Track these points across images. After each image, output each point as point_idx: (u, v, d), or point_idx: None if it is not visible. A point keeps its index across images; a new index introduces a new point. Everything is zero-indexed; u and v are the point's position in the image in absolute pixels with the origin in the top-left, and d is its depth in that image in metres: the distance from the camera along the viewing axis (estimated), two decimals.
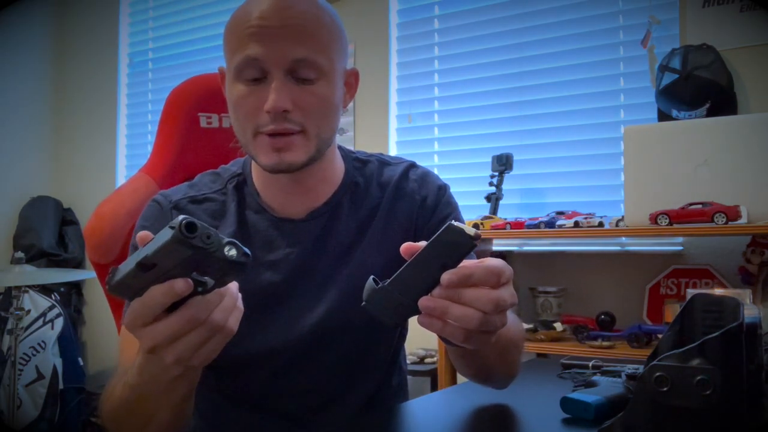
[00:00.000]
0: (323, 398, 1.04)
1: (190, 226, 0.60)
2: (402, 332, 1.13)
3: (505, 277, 0.72)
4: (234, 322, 0.69)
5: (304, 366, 1.02)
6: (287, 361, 1.02)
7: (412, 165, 1.12)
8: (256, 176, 1.05)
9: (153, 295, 0.65)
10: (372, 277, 0.71)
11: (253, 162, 1.05)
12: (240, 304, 0.70)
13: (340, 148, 1.10)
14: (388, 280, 0.70)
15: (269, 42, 0.90)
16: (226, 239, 0.63)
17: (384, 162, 1.11)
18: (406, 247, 0.72)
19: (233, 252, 0.63)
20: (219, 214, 1.03)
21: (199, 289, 0.67)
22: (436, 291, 0.69)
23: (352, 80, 1.03)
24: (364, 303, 0.70)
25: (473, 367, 0.94)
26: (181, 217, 0.60)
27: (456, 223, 0.68)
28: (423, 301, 0.69)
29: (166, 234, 0.61)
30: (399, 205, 1.07)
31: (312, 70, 0.92)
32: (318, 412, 1.03)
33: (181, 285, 0.64)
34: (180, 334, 0.67)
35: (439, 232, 0.69)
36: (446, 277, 0.68)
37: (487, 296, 0.70)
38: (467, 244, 0.68)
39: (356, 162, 1.10)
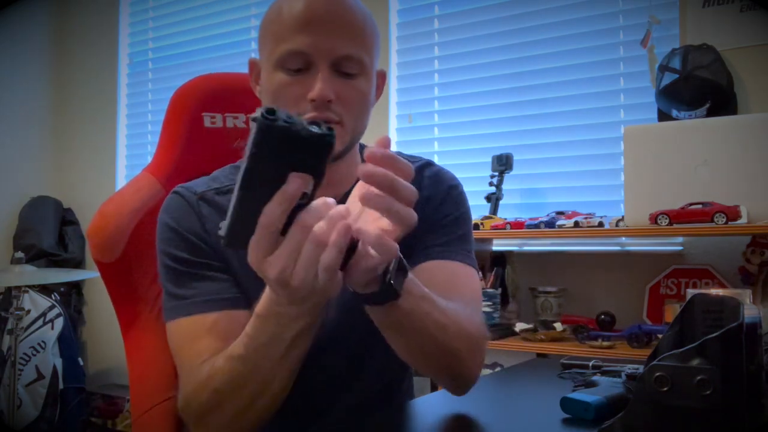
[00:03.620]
0: (328, 398, 1.04)
1: (270, 110, 0.60)
2: None
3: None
4: (339, 234, 0.66)
5: (316, 363, 1.02)
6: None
7: (428, 163, 1.12)
8: None
9: (268, 213, 0.64)
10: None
11: None
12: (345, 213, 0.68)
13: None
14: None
15: (317, 34, 0.92)
16: (307, 119, 0.63)
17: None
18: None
19: (315, 128, 0.62)
20: None
21: (302, 201, 0.66)
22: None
23: (380, 81, 1.05)
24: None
25: (405, 344, 0.88)
26: (259, 108, 0.61)
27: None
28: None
29: (251, 134, 0.61)
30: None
31: (356, 65, 0.95)
32: (322, 412, 1.03)
33: (291, 185, 0.63)
34: (300, 246, 0.65)
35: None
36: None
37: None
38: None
39: None
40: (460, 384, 0.96)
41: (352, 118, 0.96)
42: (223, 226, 0.66)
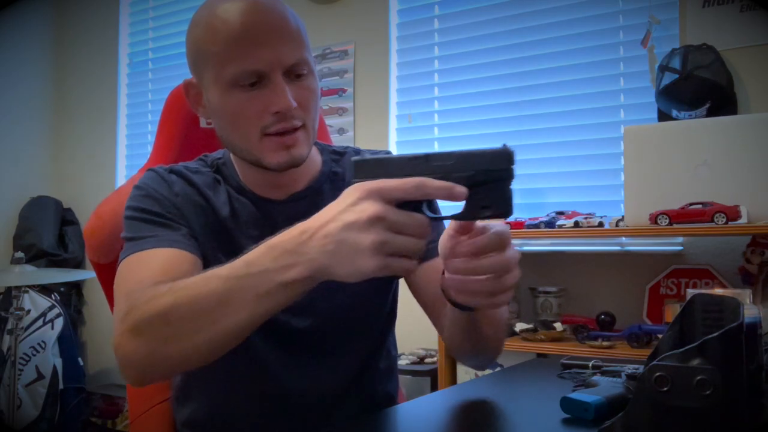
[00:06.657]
0: (309, 381, 1.05)
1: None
2: (389, 317, 1.14)
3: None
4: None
5: (293, 347, 1.04)
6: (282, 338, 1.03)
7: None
8: (236, 167, 1.08)
9: (430, 183, 0.74)
10: None
11: (234, 158, 1.07)
12: None
13: (315, 142, 1.13)
14: None
15: (265, 48, 0.93)
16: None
17: (359, 153, 1.15)
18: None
19: None
20: (212, 186, 1.06)
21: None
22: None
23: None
24: None
25: (469, 337, 0.98)
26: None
27: None
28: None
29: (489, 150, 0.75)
30: None
31: (304, 67, 0.97)
32: (303, 395, 1.04)
33: (461, 190, 0.77)
34: (404, 229, 0.73)
35: None
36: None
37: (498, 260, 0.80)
38: None
39: (333, 154, 1.14)
40: (488, 362, 1.12)
41: (311, 118, 0.99)
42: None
